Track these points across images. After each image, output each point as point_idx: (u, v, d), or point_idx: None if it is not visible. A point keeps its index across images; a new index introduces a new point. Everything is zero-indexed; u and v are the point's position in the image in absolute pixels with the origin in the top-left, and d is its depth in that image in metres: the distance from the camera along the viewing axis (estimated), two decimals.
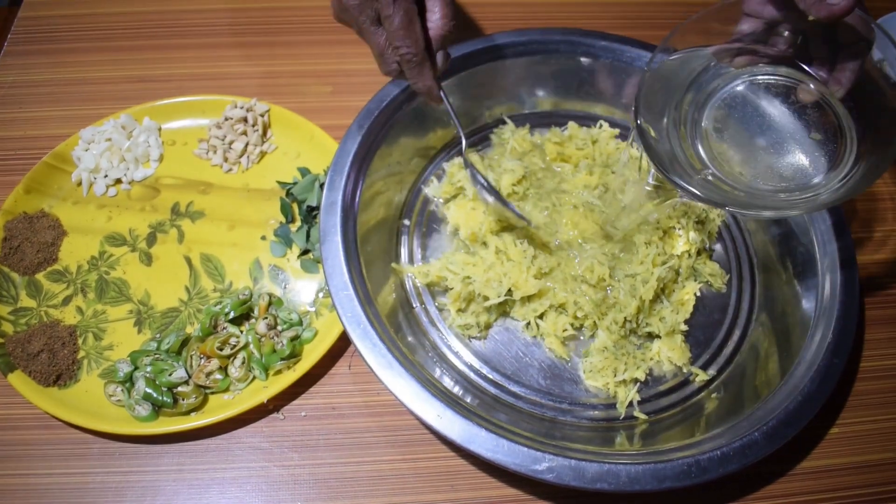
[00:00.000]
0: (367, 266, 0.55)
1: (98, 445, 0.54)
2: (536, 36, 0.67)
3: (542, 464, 0.45)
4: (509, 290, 0.56)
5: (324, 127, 0.69)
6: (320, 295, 0.61)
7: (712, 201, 0.44)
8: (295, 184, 0.66)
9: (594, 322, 0.57)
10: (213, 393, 0.56)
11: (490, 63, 0.66)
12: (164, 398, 0.53)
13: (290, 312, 0.60)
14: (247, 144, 0.69)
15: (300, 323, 0.59)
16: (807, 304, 0.57)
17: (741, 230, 0.66)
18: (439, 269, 0.58)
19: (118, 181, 0.68)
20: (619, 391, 0.55)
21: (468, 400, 0.52)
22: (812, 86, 0.46)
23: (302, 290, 0.62)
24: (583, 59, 0.68)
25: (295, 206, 0.66)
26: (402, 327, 0.56)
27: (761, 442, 0.47)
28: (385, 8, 0.47)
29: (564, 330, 0.57)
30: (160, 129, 0.71)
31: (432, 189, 0.65)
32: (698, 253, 0.62)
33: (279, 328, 0.59)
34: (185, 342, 0.57)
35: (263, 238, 0.65)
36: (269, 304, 0.60)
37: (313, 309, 0.61)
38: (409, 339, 0.56)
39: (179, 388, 0.54)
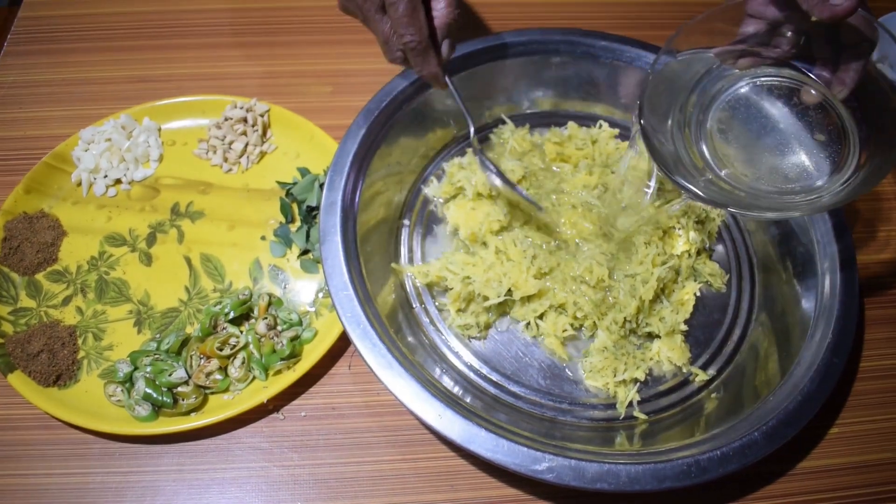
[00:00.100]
0: (367, 266, 0.55)
1: (98, 445, 0.54)
2: (536, 36, 0.67)
3: (542, 464, 0.45)
4: (509, 290, 0.56)
5: (324, 127, 0.69)
6: (320, 295, 0.61)
7: (716, 203, 0.44)
8: (295, 184, 0.66)
9: (594, 322, 0.57)
10: (212, 393, 0.56)
11: (490, 63, 0.66)
12: (164, 398, 0.53)
13: (290, 312, 0.60)
14: (246, 144, 0.69)
15: (300, 323, 0.59)
16: (806, 304, 0.57)
17: (741, 230, 0.66)
18: (439, 269, 0.58)
19: (118, 181, 0.68)
20: (618, 391, 0.55)
21: (468, 400, 0.52)
22: (815, 87, 0.46)
23: (302, 290, 0.62)
24: (582, 60, 0.68)
25: (295, 207, 0.66)
26: (401, 327, 0.56)
27: (761, 442, 0.47)
28: None
29: (564, 330, 0.57)
30: (160, 130, 0.71)
31: (432, 189, 0.65)
32: (698, 253, 0.62)
33: (279, 328, 0.59)
34: (185, 342, 0.57)
35: (263, 238, 0.65)
36: (269, 304, 0.60)
37: (313, 309, 0.61)
38: (409, 339, 0.56)
39: (179, 389, 0.54)
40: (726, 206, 0.44)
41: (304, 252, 0.63)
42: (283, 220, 0.65)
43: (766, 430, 0.48)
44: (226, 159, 0.69)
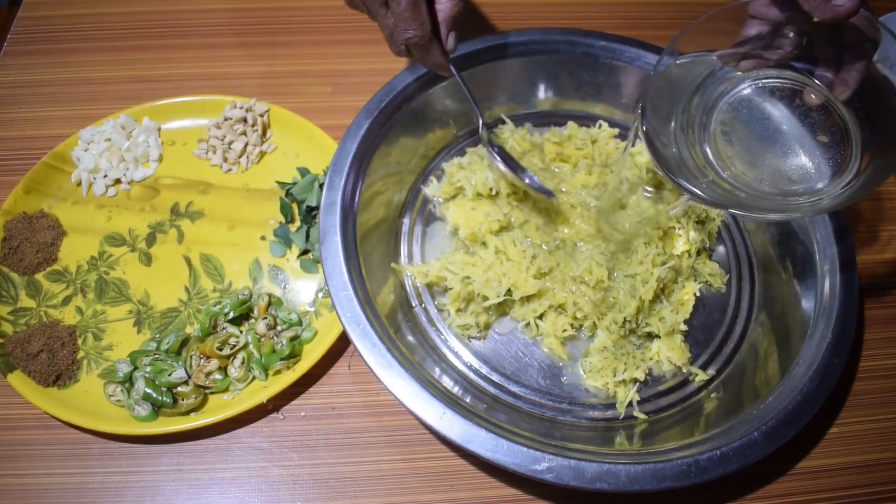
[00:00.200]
0: (367, 266, 0.55)
1: (97, 445, 0.54)
2: (536, 36, 0.67)
3: (542, 464, 0.45)
4: (509, 290, 0.56)
5: (323, 127, 0.69)
6: (320, 295, 0.61)
7: (719, 204, 0.44)
8: (294, 184, 0.66)
9: (593, 323, 0.57)
10: (212, 393, 0.56)
11: (490, 63, 0.66)
12: (164, 398, 0.53)
13: (290, 312, 0.60)
14: (246, 144, 0.69)
15: (300, 323, 0.59)
16: (806, 304, 0.57)
17: (741, 230, 0.66)
18: (439, 268, 0.58)
19: (118, 181, 0.68)
20: (618, 391, 0.55)
21: (468, 400, 0.52)
22: (818, 89, 0.46)
23: (301, 290, 0.62)
24: (582, 60, 0.68)
25: (294, 207, 0.66)
26: (401, 327, 0.56)
27: (761, 442, 0.47)
28: None
29: (564, 330, 0.57)
30: (160, 130, 0.71)
31: (432, 189, 0.65)
32: (698, 253, 0.62)
33: (279, 328, 0.59)
34: (185, 342, 0.57)
35: (263, 238, 0.65)
36: (269, 304, 0.60)
37: (313, 309, 0.61)
38: (409, 338, 0.56)
39: (179, 389, 0.54)
40: (729, 208, 0.44)
41: (304, 252, 0.63)
42: (283, 220, 0.65)
43: (765, 429, 0.48)
44: (225, 159, 0.69)
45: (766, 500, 0.54)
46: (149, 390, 0.53)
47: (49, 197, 0.66)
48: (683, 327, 0.58)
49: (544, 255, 0.58)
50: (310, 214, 0.64)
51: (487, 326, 0.58)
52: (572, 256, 0.59)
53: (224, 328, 0.58)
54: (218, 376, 0.55)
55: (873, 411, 0.59)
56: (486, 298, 0.56)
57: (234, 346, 0.57)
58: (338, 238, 0.54)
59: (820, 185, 0.44)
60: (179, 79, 0.76)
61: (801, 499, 0.55)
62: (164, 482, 0.53)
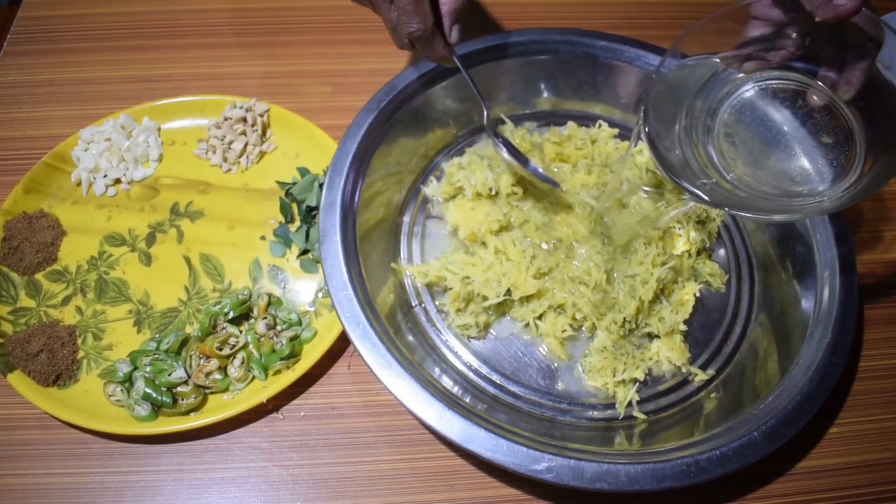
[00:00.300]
0: (367, 266, 0.55)
1: (97, 445, 0.54)
2: (536, 36, 0.67)
3: (542, 463, 0.45)
4: (508, 290, 0.56)
5: (323, 127, 0.69)
6: (319, 295, 0.61)
7: (724, 206, 0.44)
8: (294, 184, 0.66)
9: (593, 324, 0.57)
10: (212, 393, 0.56)
11: (489, 63, 0.66)
12: (164, 398, 0.53)
13: (290, 312, 0.60)
14: (246, 144, 0.69)
15: (299, 323, 0.59)
16: (806, 304, 0.57)
17: (740, 230, 0.66)
18: (438, 268, 0.58)
19: (117, 181, 0.68)
20: (618, 391, 0.55)
21: (467, 400, 0.52)
22: (821, 89, 0.46)
23: (301, 290, 0.62)
24: (582, 60, 0.68)
25: (294, 206, 0.66)
26: (401, 327, 0.56)
27: (760, 442, 0.47)
28: None
29: (563, 331, 0.57)
30: (159, 129, 0.71)
31: (431, 189, 0.65)
32: (698, 253, 0.62)
33: (278, 328, 0.59)
34: (185, 342, 0.57)
35: (263, 238, 0.65)
36: (269, 304, 0.60)
37: (312, 309, 0.61)
38: (409, 338, 0.56)
39: (179, 388, 0.54)
40: (733, 210, 0.44)
41: (304, 252, 0.63)
42: (283, 220, 0.65)
43: (765, 429, 0.48)
44: (225, 159, 0.69)
45: (766, 499, 0.54)
46: (149, 390, 0.53)
47: (49, 197, 0.66)
48: (683, 327, 0.58)
49: (544, 255, 0.58)
50: (309, 214, 0.64)
51: (487, 326, 0.58)
52: (571, 257, 0.59)
53: (224, 328, 0.58)
54: (218, 376, 0.55)
55: (873, 411, 0.59)
56: (485, 298, 0.56)
57: (234, 345, 0.57)
58: (337, 238, 0.54)
59: (824, 186, 0.44)
60: (179, 79, 0.76)
61: (801, 499, 0.55)
62: (163, 482, 0.53)
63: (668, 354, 0.57)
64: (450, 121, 0.68)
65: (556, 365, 0.57)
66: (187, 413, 0.54)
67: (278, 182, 0.68)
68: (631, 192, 0.58)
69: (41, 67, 0.77)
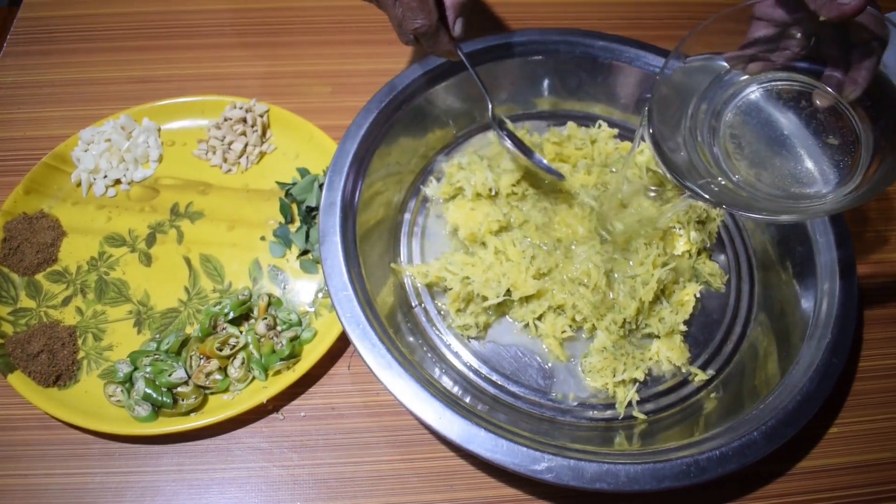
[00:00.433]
0: (367, 266, 0.56)
1: (98, 446, 0.55)
2: (536, 36, 0.67)
3: (542, 464, 0.45)
4: (508, 290, 0.56)
5: (323, 127, 0.69)
6: (319, 295, 0.61)
7: (730, 207, 0.43)
8: (294, 184, 0.66)
9: (592, 325, 0.57)
10: (212, 393, 0.56)
11: (489, 63, 0.66)
12: (164, 398, 0.53)
13: (290, 313, 0.60)
14: (246, 145, 0.69)
15: (299, 323, 0.59)
16: (806, 304, 0.57)
17: (740, 230, 0.66)
18: (438, 269, 0.58)
19: (117, 182, 0.68)
20: (618, 391, 0.55)
21: (467, 400, 0.52)
22: (827, 90, 0.45)
23: (301, 290, 0.62)
24: (581, 60, 0.68)
25: (294, 207, 0.66)
26: (401, 327, 0.56)
27: (760, 442, 0.47)
28: None
29: (563, 331, 0.57)
30: (159, 130, 0.71)
31: (431, 189, 0.65)
32: (698, 253, 0.62)
33: (278, 328, 0.59)
34: (185, 343, 0.57)
35: (263, 238, 0.65)
36: (269, 304, 0.60)
37: (312, 309, 0.61)
38: (409, 339, 0.56)
39: (179, 389, 0.55)
40: (740, 211, 0.44)
41: (304, 252, 0.64)
42: (283, 221, 0.65)
43: (765, 429, 0.48)
44: (225, 160, 0.69)
45: (766, 500, 0.54)
46: (149, 390, 0.53)
47: (49, 197, 0.66)
48: (683, 328, 0.58)
49: (543, 256, 0.58)
50: (309, 215, 0.64)
51: (487, 327, 0.58)
52: (570, 257, 0.59)
53: (224, 328, 0.59)
54: (218, 376, 0.56)
55: (873, 411, 0.59)
56: (485, 299, 0.56)
57: (234, 346, 0.57)
58: (337, 238, 0.54)
59: (830, 187, 0.44)
60: (180, 79, 0.76)
61: (801, 499, 0.55)
62: (164, 482, 0.53)
63: (668, 354, 0.57)
64: (450, 121, 0.68)
65: (556, 365, 0.57)
66: (187, 413, 0.54)
67: (278, 182, 0.68)
68: (634, 193, 0.58)
69: (41, 68, 0.77)
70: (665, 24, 0.84)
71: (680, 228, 0.61)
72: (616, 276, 0.58)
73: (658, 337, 0.58)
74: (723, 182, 0.45)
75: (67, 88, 0.75)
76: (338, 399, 0.57)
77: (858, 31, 0.42)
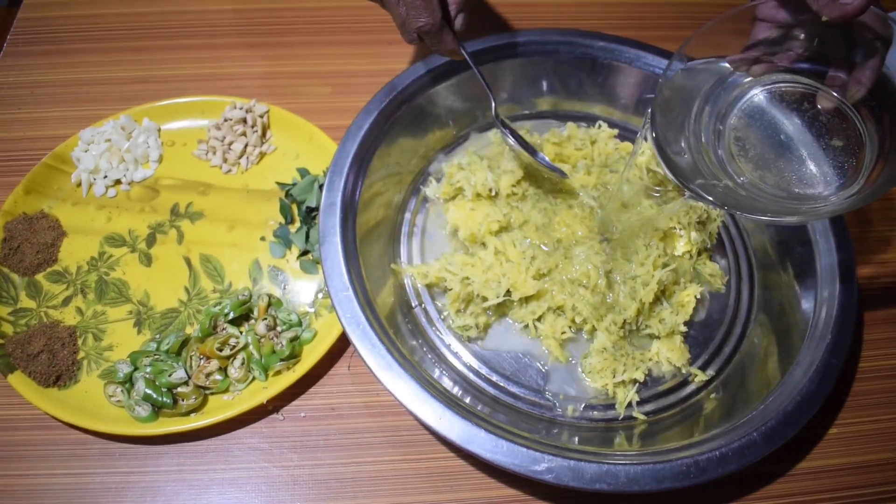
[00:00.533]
0: (367, 267, 0.56)
1: (98, 446, 0.55)
2: (536, 36, 0.67)
3: (542, 464, 0.45)
4: (508, 290, 0.56)
5: (323, 128, 0.69)
6: (319, 296, 0.61)
7: (735, 209, 0.43)
8: (294, 185, 0.66)
9: (592, 326, 0.57)
10: (212, 394, 0.56)
11: (489, 64, 0.66)
12: (164, 399, 0.53)
13: (290, 313, 0.60)
14: (246, 145, 0.69)
15: (299, 324, 0.59)
16: (805, 305, 0.57)
17: (740, 231, 0.66)
18: (438, 269, 0.58)
19: (118, 182, 0.68)
20: (618, 392, 0.55)
21: (467, 401, 0.52)
22: (831, 91, 0.45)
23: (301, 290, 0.62)
24: (581, 60, 0.68)
25: (294, 207, 0.66)
26: (401, 328, 0.56)
27: (760, 442, 0.47)
28: None
29: (563, 332, 0.57)
30: (160, 130, 0.71)
31: (431, 189, 0.65)
32: (699, 253, 0.62)
33: (278, 329, 0.59)
34: (185, 343, 0.57)
35: (263, 239, 0.65)
36: (269, 304, 0.60)
37: (313, 310, 0.61)
38: (409, 339, 0.56)
39: (179, 389, 0.55)
40: (745, 213, 0.43)
41: (304, 253, 0.64)
42: (283, 221, 0.65)
43: (765, 430, 0.48)
44: (225, 160, 0.69)
45: (766, 500, 0.54)
46: (149, 391, 0.53)
47: (49, 198, 0.66)
48: (683, 328, 0.58)
49: (543, 256, 0.58)
50: (309, 215, 0.64)
51: (487, 327, 0.58)
52: (570, 258, 0.59)
53: (224, 329, 0.59)
54: (218, 377, 0.56)
55: (873, 412, 0.59)
56: (485, 299, 0.56)
57: (234, 346, 0.57)
58: (337, 239, 0.54)
59: (833, 189, 0.44)
60: (180, 79, 0.76)
61: (801, 499, 0.55)
62: (164, 483, 0.53)
63: (668, 355, 0.57)
64: (449, 121, 0.68)
65: (556, 366, 0.57)
66: (188, 414, 0.54)
67: (278, 183, 0.68)
68: (634, 194, 0.58)
69: (41, 68, 0.77)
70: (665, 25, 0.84)
71: (680, 229, 0.61)
72: (616, 276, 0.58)
73: (658, 338, 0.58)
74: (727, 184, 0.45)
75: (67, 88, 0.75)
76: (338, 399, 0.57)
77: (861, 31, 0.42)
